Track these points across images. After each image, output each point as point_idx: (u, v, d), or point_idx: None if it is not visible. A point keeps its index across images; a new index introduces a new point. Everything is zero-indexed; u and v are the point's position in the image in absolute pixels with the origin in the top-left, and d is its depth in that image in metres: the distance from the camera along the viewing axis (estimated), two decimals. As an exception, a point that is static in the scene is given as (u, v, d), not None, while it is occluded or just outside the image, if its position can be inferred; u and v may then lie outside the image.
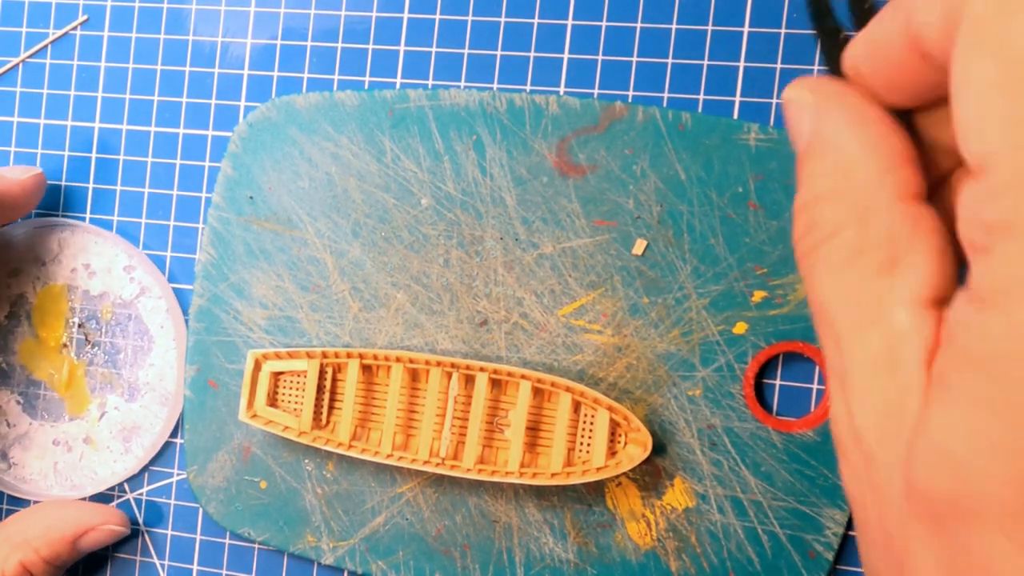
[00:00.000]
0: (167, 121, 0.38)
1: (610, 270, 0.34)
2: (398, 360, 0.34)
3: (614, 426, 0.33)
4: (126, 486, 0.39)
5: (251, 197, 0.36)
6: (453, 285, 0.35)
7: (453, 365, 0.34)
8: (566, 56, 0.35)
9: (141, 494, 0.39)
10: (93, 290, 0.39)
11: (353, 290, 0.35)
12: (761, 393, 0.34)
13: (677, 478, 0.33)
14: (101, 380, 0.39)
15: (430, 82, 0.36)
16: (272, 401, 0.35)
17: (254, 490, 0.36)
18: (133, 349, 0.38)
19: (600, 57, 0.35)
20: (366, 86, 0.37)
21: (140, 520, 0.39)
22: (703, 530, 0.33)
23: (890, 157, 0.16)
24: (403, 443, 0.35)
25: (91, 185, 0.39)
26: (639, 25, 0.35)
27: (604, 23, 0.35)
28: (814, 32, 0.19)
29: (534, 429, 0.34)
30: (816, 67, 0.33)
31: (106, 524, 0.37)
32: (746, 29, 0.34)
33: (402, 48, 0.36)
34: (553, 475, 0.33)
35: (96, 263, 0.39)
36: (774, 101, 0.34)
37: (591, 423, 0.33)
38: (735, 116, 0.34)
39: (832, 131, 0.17)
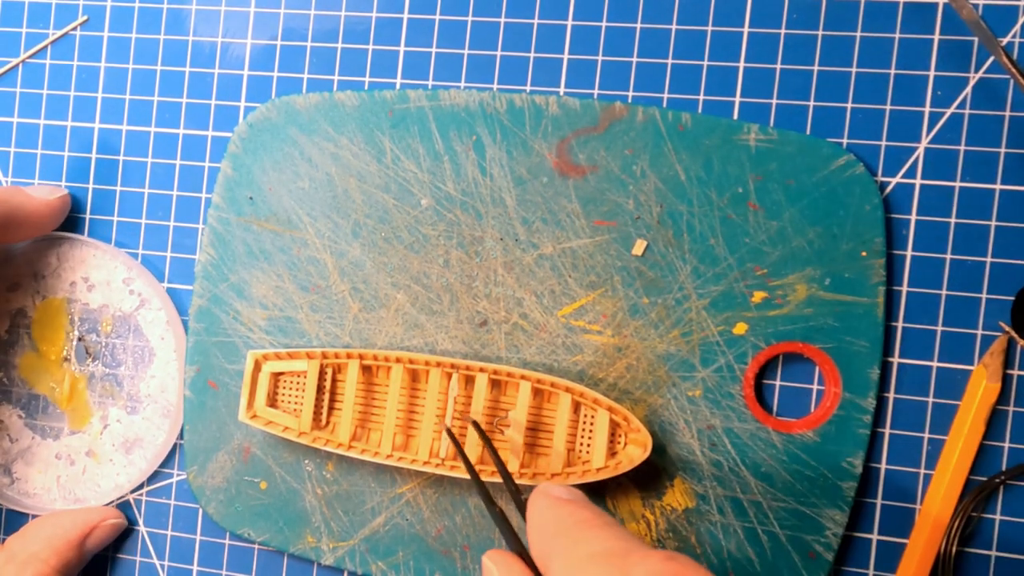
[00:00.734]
0: (167, 122, 0.38)
1: (610, 270, 0.34)
2: (398, 360, 0.34)
3: (614, 427, 0.33)
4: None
5: (251, 197, 0.36)
6: (453, 285, 0.35)
7: (453, 366, 0.34)
8: (566, 56, 0.35)
9: (141, 495, 0.39)
10: (92, 303, 0.39)
11: (353, 290, 0.35)
12: (761, 393, 0.34)
13: (677, 479, 0.34)
14: (102, 393, 0.39)
15: (430, 82, 0.36)
16: (272, 402, 0.35)
17: (254, 490, 0.36)
18: (134, 361, 0.38)
19: (600, 57, 0.35)
20: (366, 86, 0.37)
21: (140, 520, 0.39)
22: (703, 530, 0.33)
23: None
24: (403, 444, 0.35)
25: (91, 186, 0.39)
26: (639, 25, 0.35)
27: (604, 23, 0.35)
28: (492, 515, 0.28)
29: (534, 430, 0.34)
30: (816, 67, 0.33)
31: (105, 520, 0.37)
32: (746, 29, 0.34)
33: (402, 48, 0.36)
34: (553, 475, 0.33)
35: (95, 276, 0.39)
36: (774, 102, 0.34)
37: (591, 424, 0.33)
38: (735, 116, 0.34)
39: None
